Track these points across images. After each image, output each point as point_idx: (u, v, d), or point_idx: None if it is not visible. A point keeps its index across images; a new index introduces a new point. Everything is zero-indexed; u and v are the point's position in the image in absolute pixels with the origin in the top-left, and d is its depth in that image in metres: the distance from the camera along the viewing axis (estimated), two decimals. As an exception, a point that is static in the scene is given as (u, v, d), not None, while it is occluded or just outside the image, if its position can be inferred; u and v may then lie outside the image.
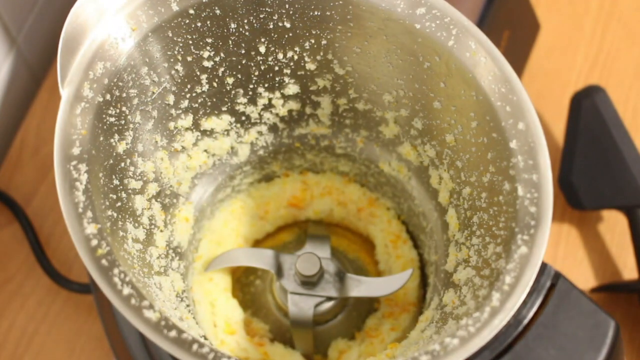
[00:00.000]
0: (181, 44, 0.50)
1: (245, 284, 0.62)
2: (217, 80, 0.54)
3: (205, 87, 0.54)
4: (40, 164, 0.72)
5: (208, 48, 0.52)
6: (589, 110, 0.66)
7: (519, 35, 0.71)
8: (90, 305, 0.67)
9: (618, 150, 0.65)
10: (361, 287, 0.57)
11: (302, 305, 0.57)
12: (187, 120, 0.55)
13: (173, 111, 0.53)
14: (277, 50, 0.53)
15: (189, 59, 0.52)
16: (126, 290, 0.43)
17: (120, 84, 0.48)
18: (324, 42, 0.53)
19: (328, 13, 0.51)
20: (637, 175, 0.65)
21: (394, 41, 0.51)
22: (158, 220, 0.54)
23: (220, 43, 0.52)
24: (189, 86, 0.53)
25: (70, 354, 0.66)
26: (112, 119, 0.48)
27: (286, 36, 0.52)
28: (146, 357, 0.50)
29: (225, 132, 0.58)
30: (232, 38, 0.52)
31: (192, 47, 0.51)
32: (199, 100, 0.54)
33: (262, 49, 0.53)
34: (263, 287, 0.61)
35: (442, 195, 0.55)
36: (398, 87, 0.54)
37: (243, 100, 0.56)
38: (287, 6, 0.51)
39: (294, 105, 0.58)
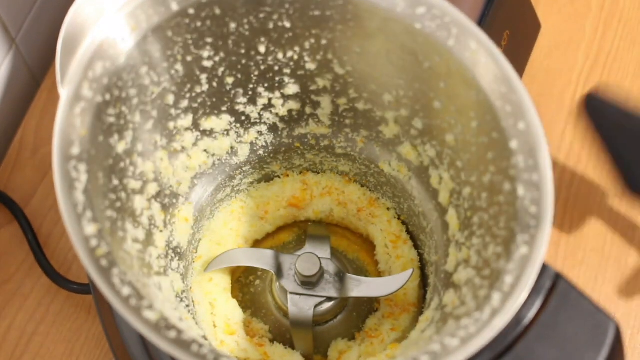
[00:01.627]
0: (181, 44, 0.50)
1: (245, 285, 0.62)
2: (216, 80, 0.54)
3: (205, 87, 0.54)
4: (39, 164, 0.71)
5: (208, 48, 0.52)
6: (606, 113, 0.65)
7: (520, 34, 0.71)
8: (90, 305, 0.67)
9: None
10: (361, 287, 0.57)
11: (302, 306, 0.57)
12: (186, 120, 0.55)
13: (173, 111, 0.53)
14: (277, 50, 0.53)
15: (189, 58, 0.51)
16: (125, 291, 0.43)
17: (120, 83, 0.47)
18: (324, 42, 0.53)
19: (328, 13, 0.51)
20: None
21: (394, 41, 0.51)
22: (158, 221, 0.54)
23: (220, 43, 0.52)
24: (188, 86, 0.53)
25: (69, 354, 0.66)
26: (112, 119, 0.47)
27: (286, 36, 0.52)
28: (145, 358, 0.50)
29: (225, 132, 0.58)
30: (232, 38, 0.52)
31: (191, 47, 0.51)
32: (199, 100, 0.54)
33: (262, 49, 0.53)
34: (263, 287, 0.61)
35: (442, 195, 0.55)
36: (398, 87, 0.54)
37: (243, 100, 0.56)
38: (287, 6, 0.51)
39: (293, 105, 0.58)
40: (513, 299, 0.43)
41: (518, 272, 0.44)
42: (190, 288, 0.58)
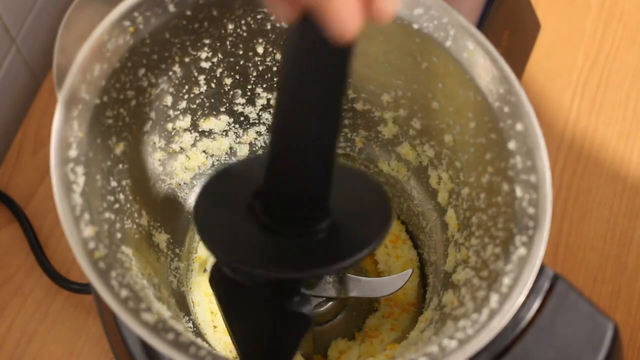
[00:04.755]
0: (179, 45, 0.50)
1: (245, 285, 0.62)
2: (215, 81, 0.54)
3: (203, 88, 0.54)
4: (39, 164, 0.71)
5: (206, 49, 0.52)
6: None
7: (520, 35, 0.71)
8: (90, 305, 0.67)
9: None
10: (361, 287, 0.57)
11: (301, 306, 0.57)
12: (185, 121, 0.55)
13: (171, 112, 0.53)
14: (274, 51, 0.53)
15: (187, 60, 0.51)
16: (124, 293, 0.43)
17: (118, 85, 0.47)
18: (322, 42, 0.53)
19: (326, 14, 0.51)
20: None
21: (392, 41, 0.51)
22: (156, 222, 0.54)
23: (218, 44, 0.52)
24: (186, 87, 0.53)
25: (69, 354, 0.66)
26: (110, 121, 0.47)
27: (284, 36, 0.52)
28: (145, 357, 0.50)
29: (224, 133, 0.58)
30: (230, 39, 0.52)
31: (189, 48, 0.51)
32: (197, 101, 0.54)
33: (260, 50, 0.53)
34: (262, 287, 0.61)
35: (441, 196, 0.55)
36: (396, 88, 0.54)
37: (241, 100, 0.56)
38: (284, 7, 0.51)
39: (292, 105, 0.57)
40: (511, 301, 0.43)
41: (516, 274, 0.44)
42: (190, 289, 0.58)
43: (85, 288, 0.66)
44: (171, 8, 0.48)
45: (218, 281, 0.48)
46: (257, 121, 0.58)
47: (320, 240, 0.41)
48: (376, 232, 0.42)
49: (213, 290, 0.48)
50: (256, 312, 0.46)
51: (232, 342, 0.48)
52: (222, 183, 0.44)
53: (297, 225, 0.41)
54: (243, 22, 0.51)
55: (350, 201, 0.44)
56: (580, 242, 0.69)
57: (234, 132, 0.58)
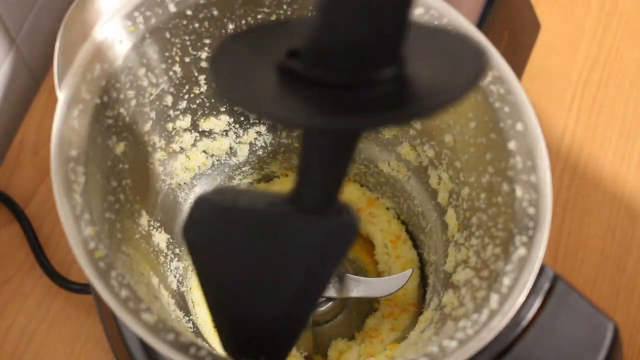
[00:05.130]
0: (179, 45, 0.50)
1: (245, 285, 0.62)
2: (215, 81, 0.54)
3: (204, 88, 0.54)
4: (40, 164, 0.71)
5: (206, 49, 0.52)
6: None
7: (520, 35, 0.71)
8: (90, 306, 0.67)
9: None
10: (361, 287, 0.57)
11: (301, 306, 0.57)
12: (185, 121, 0.55)
13: (171, 112, 0.53)
14: (275, 51, 0.53)
15: (187, 60, 0.51)
16: (124, 293, 0.43)
17: (118, 85, 0.47)
18: (322, 42, 0.53)
19: (326, 14, 0.51)
20: None
21: (392, 42, 0.51)
22: (156, 222, 0.54)
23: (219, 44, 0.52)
24: (187, 87, 0.53)
25: (69, 354, 0.66)
26: (110, 121, 0.47)
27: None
28: (145, 357, 0.50)
29: (224, 133, 0.58)
30: (230, 39, 0.52)
31: (190, 48, 0.51)
32: (197, 101, 0.54)
33: (261, 50, 0.53)
34: (262, 287, 0.61)
35: (441, 196, 0.55)
36: (397, 88, 0.54)
37: (242, 100, 0.56)
38: (284, 7, 0.50)
39: (292, 105, 0.57)
40: (511, 301, 0.43)
41: (516, 274, 0.44)
42: (190, 289, 0.58)
43: (85, 288, 0.66)
44: (172, 8, 0.48)
45: (202, 222, 0.37)
46: (257, 121, 0.58)
47: (384, 91, 0.32)
48: (460, 83, 0.31)
49: (188, 243, 0.38)
50: (266, 249, 0.36)
51: (216, 320, 0.40)
52: (242, 45, 0.34)
53: (354, 73, 0.31)
54: (243, 22, 0.51)
55: (428, 53, 0.34)
56: (580, 242, 0.70)
57: (234, 132, 0.58)
